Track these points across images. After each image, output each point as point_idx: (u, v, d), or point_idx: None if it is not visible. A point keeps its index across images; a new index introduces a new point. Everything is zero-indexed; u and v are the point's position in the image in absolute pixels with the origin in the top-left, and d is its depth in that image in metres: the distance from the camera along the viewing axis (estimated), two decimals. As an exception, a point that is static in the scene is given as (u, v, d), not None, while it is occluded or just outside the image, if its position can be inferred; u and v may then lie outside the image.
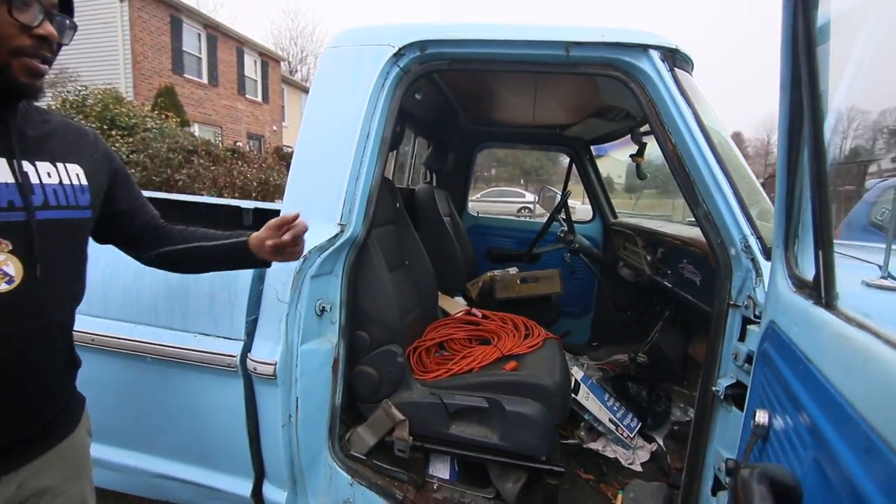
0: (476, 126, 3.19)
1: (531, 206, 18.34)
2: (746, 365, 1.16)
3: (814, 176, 0.71)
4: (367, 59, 1.40)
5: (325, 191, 1.39)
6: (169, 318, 1.37)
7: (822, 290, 0.71)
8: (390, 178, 2.12)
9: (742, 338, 1.22)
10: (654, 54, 1.28)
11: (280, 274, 1.30)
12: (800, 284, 0.84)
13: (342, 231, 1.36)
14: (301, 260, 1.30)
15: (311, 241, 1.32)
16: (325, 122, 1.43)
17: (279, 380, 1.27)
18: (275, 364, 1.26)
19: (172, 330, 1.37)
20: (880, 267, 0.86)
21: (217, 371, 1.31)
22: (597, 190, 3.23)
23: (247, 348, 1.31)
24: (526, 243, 3.31)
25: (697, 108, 1.27)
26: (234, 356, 1.30)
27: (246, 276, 1.33)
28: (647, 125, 2.35)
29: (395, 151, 2.74)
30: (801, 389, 0.69)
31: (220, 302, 1.33)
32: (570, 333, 2.99)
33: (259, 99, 17.17)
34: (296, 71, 28.77)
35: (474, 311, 2.09)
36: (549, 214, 3.36)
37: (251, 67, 16.62)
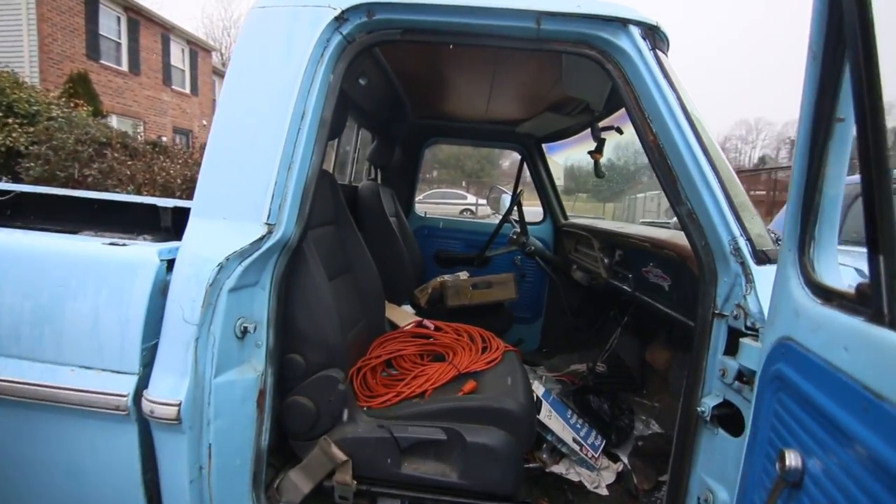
0: (425, 119, 2.98)
1: (473, 208, 18.43)
2: (737, 383, 1.04)
3: (872, 162, 0.57)
4: (303, 23, 1.15)
5: (248, 182, 1.12)
6: (36, 347, 1.05)
7: (884, 306, 0.56)
8: (330, 172, 1.86)
9: (729, 351, 1.10)
10: (635, 31, 1.13)
11: (188, 287, 1.03)
12: (827, 295, 0.71)
13: (270, 232, 1.11)
14: (216, 268, 1.03)
15: (229, 245, 1.06)
16: (251, 98, 1.17)
17: (185, 424, 0.99)
18: (179, 404, 0.98)
19: (42, 362, 1.05)
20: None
21: (102, 416, 1.01)
22: (548, 190, 3.13)
23: (142, 384, 1.02)
24: (475, 245, 3.15)
25: (682, 94, 1.13)
26: (124, 396, 1.00)
27: (142, 287, 1.04)
28: (609, 118, 2.28)
29: (335, 143, 2.47)
30: (867, 433, 0.54)
31: (106, 323, 1.03)
32: (523, 341, 2.86)
33: (187, 91, 15.99)
34: (229, 62, 27.15)
35: (426, 322, 1.88)
36: (498, 215, 3.22)
37: (178, 56, 15.44)
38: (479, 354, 1.70)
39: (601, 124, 2.10)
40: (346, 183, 2.62)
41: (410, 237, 2.92)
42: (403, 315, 2.20)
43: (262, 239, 1.08)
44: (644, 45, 1.13)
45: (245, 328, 1.11)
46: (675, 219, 1.98)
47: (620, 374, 2.05)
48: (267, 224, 1.09)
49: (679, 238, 1.45)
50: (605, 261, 2.17)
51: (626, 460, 1.72)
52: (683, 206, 1.14)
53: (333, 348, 1.30)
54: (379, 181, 2.99)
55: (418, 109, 2.80)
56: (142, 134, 11.69)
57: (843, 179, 0.73)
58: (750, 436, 0.90)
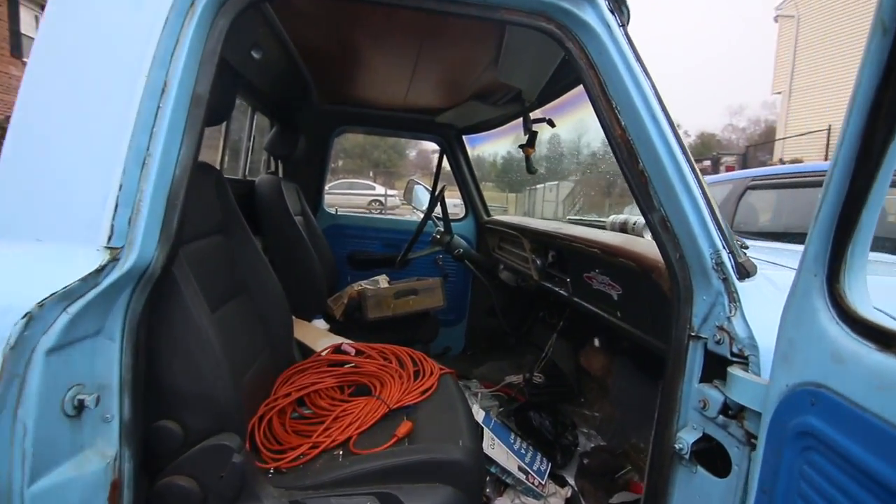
0: (333, 105, 2.62)
1: (382, 199, 17.97)
2: (722, 417, 0.90)
3: None
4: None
5: (75, 187, 0.76)
6: None
7: None
8: (215, 167, 1.48)
9: (706, 378, 0.96)
10: (601, 3, 0.94)
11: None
12: (886, 340, 0.56)
13: (115, 259, 0.75)
14: (21, 321, 0.66)
15: (45, 282, 0.70)
16: (79, 62, 0.79)
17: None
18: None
19: None
20: None
21: None
22: (469, 185, 2.94)
23: None
24: (393, 245, 2.88)
25: (654, 81, 0.96)
26: None
27: None
28: (541, 108, 2.12)
29: (222, 129, 2.05)
30: None
31: None
32: (450, 349, 2.66)
33: (40, 64, 13.56)
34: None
35: (345, 345, 1.58)
36: (412, 207, 2.97)
37: (30, 24, 13.02)
38: (412, 382, 1.45)
39: (534, 116, 1.93)
40: (240, 177, 2.21)
41: (320, 238, 2.57)
42: (316, 333, 1.88)
43: (100, 270, 0.73)
44: (613, 20, 0.94)
45: (81, 401, 0.75)
46: (612, 217, 1.89)
47: (558, 384, 1.93)
48: (108, 248, 0.74)
49: (634, 244, 1.31)
50: (538, 262, 2.02)
51: (573, 483, 1.58)
52: (656, 212, 0.97)
53: (223, 406, 0.97)
54: (280, 175, 2.59)
55: (326, 93, 2.45)
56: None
57: (886, 190, 0.59)
58: (759, 493, 0.76)
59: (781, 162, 12.15)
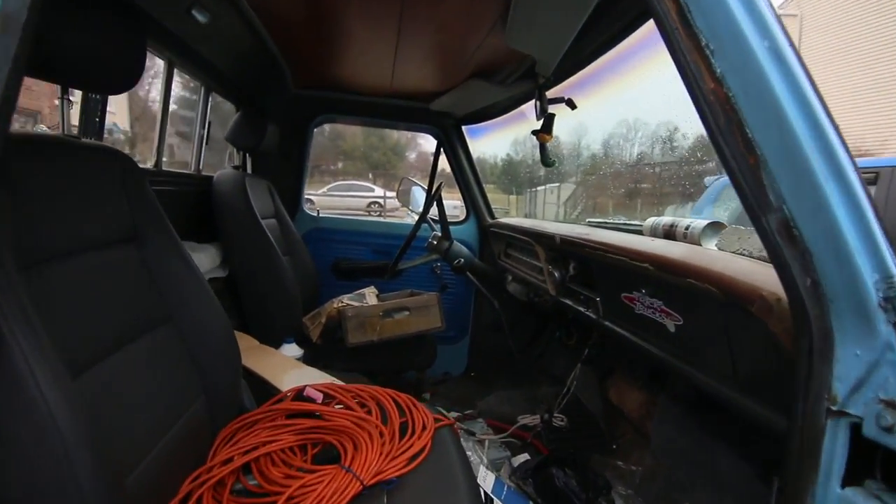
0: (311, 90, 2.26)
1: (381, 201, 17.56)
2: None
3: None
4: None
5: None
6: None
7: None
8: (118, 149, 1.10)
9: (854, 478, 0.60)
10: None
11: None
12: None
13: None
14: None
15: None
16: None
17: None
18: None
19: None
20: None
21: None
22: (470, 182, 2.57)
23: None
24: (384, 251, 2.51)
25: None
26: None
27: None
28: (558, 87, 1.74)
29: (165, 111, 1.66)
30: None
31: None
32: (449, 375, 2.29)
33: (28, 64, 13.24)
34: None
35: (309, 388, 1.21)
36: (408, 210, 2.61)
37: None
38: (396, 442, 1.08)
39: (550, 94, 1.56)
40: (192, 171, 1.84)
41: (297, 244, 2.20)
42: (281, 365, 1.51)
43: None
44: None
45: None
46: (651, 220, 1.52)
47: (584, 427, 1.56)
48: None
49: (708, 260, 0.93)
50: (555, 275, 1.65)
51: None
52: (773, 212, 0.60)
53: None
54: (249, 170, 2.23)
55: (301, 76, 2.08)
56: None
57: None
58: None
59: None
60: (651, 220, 1.42)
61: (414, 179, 2.65)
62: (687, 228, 1.24)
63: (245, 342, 1.61)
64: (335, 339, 1.81)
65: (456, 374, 2.57)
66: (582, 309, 1.48)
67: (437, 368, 2.29)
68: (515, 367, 2.29)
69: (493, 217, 2.60)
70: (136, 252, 1.00)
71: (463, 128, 2.48)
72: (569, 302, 1.59)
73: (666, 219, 1.37)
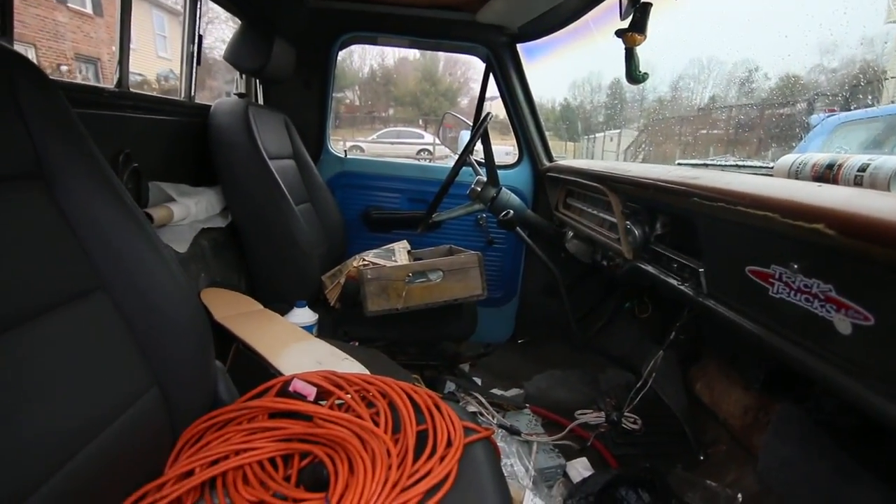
0: (331, 1, 1.87)
1: (430, 148, 17.05)
2: None
3: None
4: None
5: None
6: None
7: None
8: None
9: None
10: None
11: None
12: None
13: None
14: None
15: None
16: None
17: None
18: None
19: None
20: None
21: None
22: (526, 116, 2.13)
23: None
24: (422, 199, 2.17)
25: None
26: None
27: None
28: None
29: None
30: None
31: None
32: (491, 347, 1.96)
33: (88, 10, 13.35)
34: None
35: (297, 383, 0.91)
36: (455, 155, 2.22)
37: (66, -29, 12.77)
38: (408, 465, 0.77)
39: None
40: (182, 98, 1.53)
41: (321, 190, 1.90)
42: (283, 337, 1.23)
43: None
44: None
45: None
46: (792, 158, 1.07)
47: (664, 432, 1.20)
48: None
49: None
50: (636, 232, 1.25)
51: None
52: None
53: None
54: (260, 101, 1.91)
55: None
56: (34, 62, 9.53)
57: None
58: None
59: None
60: (788, 159, 0.98)
61: (456, 114, 2.24)
62: (863, 170, 0.79)
63: (244, 306, 1.34)
64: (355, 304, 1.52)
65: (501, 341, 2.25)
66: (673, 281, 1.08)
67: (479, 336, 1.98)
68: (572, 342, 1.93)
69: (551, 160, 2.17)
70: (45, 194, 0.70)
71: (518, 47, 2.02)
72: (651, 270, 1.20)
73: (816, 156, 0.92)
